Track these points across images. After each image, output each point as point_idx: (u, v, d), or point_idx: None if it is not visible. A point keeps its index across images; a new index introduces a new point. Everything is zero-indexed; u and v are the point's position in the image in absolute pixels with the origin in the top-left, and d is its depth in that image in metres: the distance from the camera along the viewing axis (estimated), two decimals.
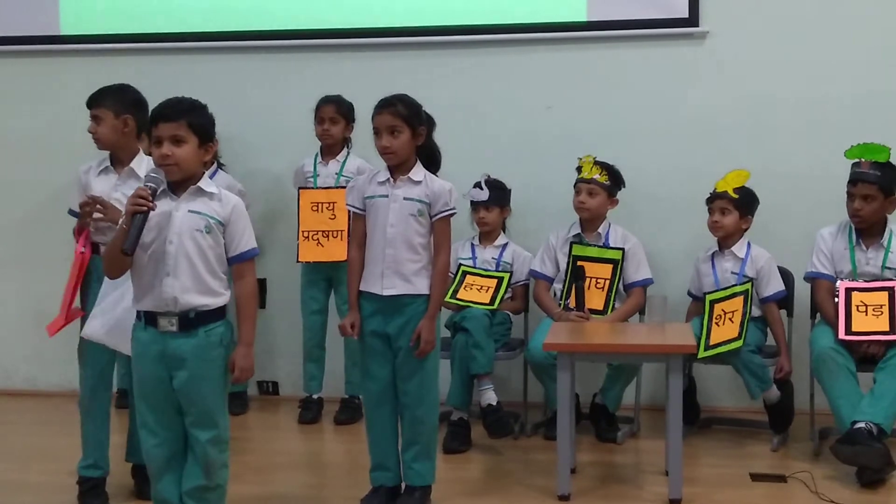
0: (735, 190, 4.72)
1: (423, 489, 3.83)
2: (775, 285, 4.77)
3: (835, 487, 4.05)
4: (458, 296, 4.80)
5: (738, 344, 4.45)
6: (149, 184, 3.04)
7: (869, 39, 5.16)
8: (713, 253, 4.83)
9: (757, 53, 5.24)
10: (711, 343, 4.50)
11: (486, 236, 5.05)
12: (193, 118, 3.12)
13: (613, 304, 4.80)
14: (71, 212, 4.02)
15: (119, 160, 3.90)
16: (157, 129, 3.11)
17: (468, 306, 4.74)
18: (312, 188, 5.19)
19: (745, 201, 4.75)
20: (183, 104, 3.16)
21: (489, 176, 4.95)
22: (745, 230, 4.80)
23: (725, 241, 4.80)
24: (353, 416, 5.18)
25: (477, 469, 4.46)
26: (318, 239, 5.14)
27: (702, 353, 4.50)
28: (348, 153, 5.23)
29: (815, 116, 5.18)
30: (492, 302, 4.79)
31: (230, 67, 5.64)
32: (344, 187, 5.03)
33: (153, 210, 3.02)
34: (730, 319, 4.51)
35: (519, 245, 5.10)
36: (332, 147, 5.23)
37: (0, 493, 4.15)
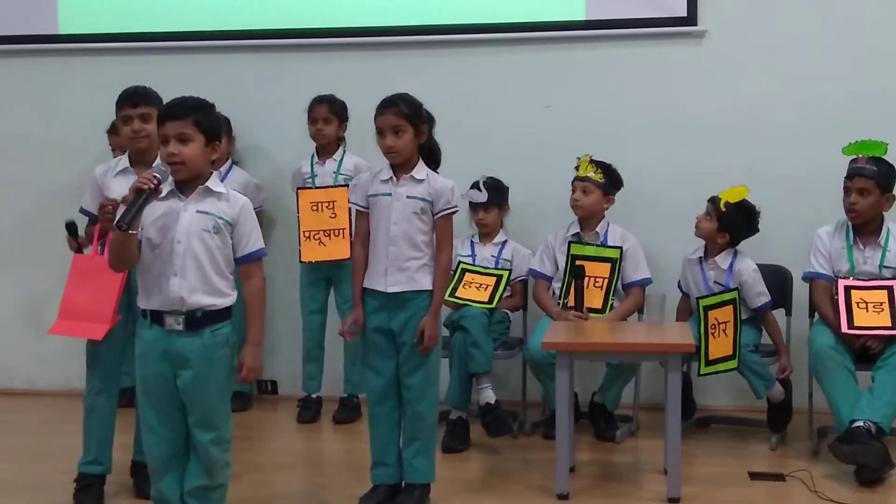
0: (726, 203, 4.68)
1: (423, 487, 3.84)
2: (763, 297, 4.73)
3: (833, 486, 4.06)
4: (457, 294, 4.81)
5: (734, 364, 4.42)
6: (155, 174, 3.03)
7: (866, 38, 5.16)
8: (700, 258, 4.81)
9: (755, 52, 5.25)
10: (711, 358, 4.49)
11: (487, 235, 5.06)
12: (200, 116, 3.12)
13: (612, 304, 4.80)
14: (83, 210, 4.00)
15: (142, 162, 3.90)
16: (164, 127, 3.11)
17: (466, 304, 4.75)
18: (311, 188, 5.19)
19: (729, 217, 4.67)
20: (189, 103, 3.16)
21: (486, 177, 4.95)
22: (722, 244, 4.73)
23: (710, 248, 4.77)
24: (352, 416, 5.19)
25: (476, 468, 4.47)
26: (319, 238, 5.14)
27: (703, 370, 4.49)
28: (344, 152, 5.23)
29: (812, 115, 5.18)
30: (490, 300, 4.80)
31: (228, 66, 5.64)
32: (343, 186, 5.05)
33: (154, 192, 3.00)
34: (724, 332, 4.47)
35: (517, 241, 5.10)
36: (327, 147, 5.22)
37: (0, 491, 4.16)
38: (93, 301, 3.81)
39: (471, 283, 4.85)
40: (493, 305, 4.80)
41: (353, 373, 5.22)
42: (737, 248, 4.76)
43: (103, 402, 3.93)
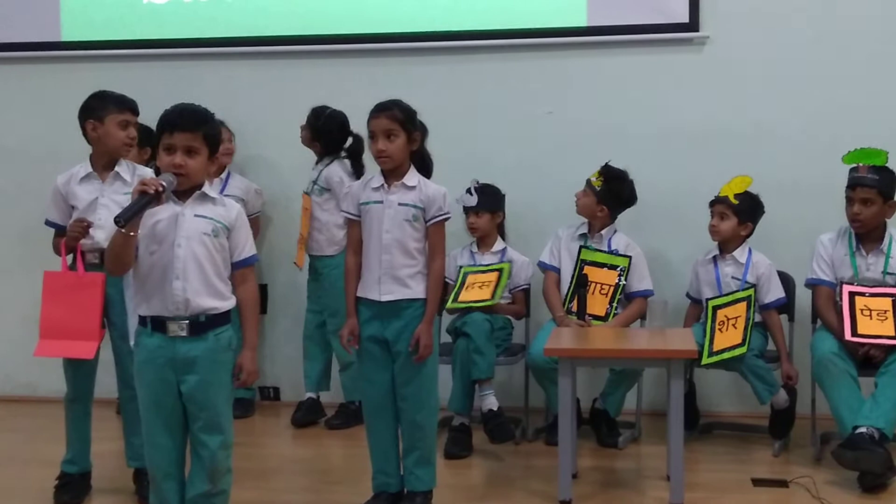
0: (736, 195, 4.72)
1: (425, 494, 3.83)
2: (776, 292, 4.77)
3: (836, 492, 4.05)
4: (460, 298, 4.78)
5: (743, 350, 4.45)
6: (162, 181, 3.02)
7: (868, 45, 5.17)
8: (714, 257, 4.83)
9: (756, 58, 5.25)
10: (715, 349, 4.50)
11: (484, 242, 5.05)
12: (208, 130, 3.14)
13: (616, 311, 4.79)
14: (49, 223, 4.02)
15: (108, 168, 3.95)
16: (172, 137, 3.09)
17: (469, 308, 4.72)
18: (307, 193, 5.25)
19: (745, 208, 4.74)
20: (199, 115, 3.16)
21: (478, 182, 4.94)
22: (745, 236, 4.79)
23: (726, 246, 4.80)
24: (348, 422, 5.18)
25: (478, 474, 4.46)
26: (303, 244, 5.22)
27: (705, 360, 4.49)
28: (331, 161, 5.19)
29: (814, 121, 5.19)
30: (492, 297, 4.77)
31: (230, 73, 5.66)
32: (308, 194, 5.16)
33: (157, 198, 2.99)
34: (733, 325, 4.50)
35: (517, 250, 5.09)
36: (318, 155, 5.25)
37: (0, 498, 4.15)
38: (74, 319, 3.83)
39: (472, 284, 4.83)
40: (494, 301, 4.78)
41: (346, 378, 5.21)
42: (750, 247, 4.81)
43: (78, 409, 4.02)
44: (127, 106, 3.97)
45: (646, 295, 4.88)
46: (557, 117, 5.41)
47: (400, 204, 3.72)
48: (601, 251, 4.85)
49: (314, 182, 5.19)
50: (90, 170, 3.97)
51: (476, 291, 4.82)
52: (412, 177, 3.75)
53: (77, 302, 3.83)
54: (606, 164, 4.88)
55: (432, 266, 3.75)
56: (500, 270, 4.87)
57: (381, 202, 3.73)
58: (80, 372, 3.98)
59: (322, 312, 5.25)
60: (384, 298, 3.72)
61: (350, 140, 5.17)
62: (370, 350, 3.78)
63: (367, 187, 3.79)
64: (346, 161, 5.18)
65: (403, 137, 3.71)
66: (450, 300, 4.72)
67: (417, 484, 3.81)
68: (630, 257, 4.81)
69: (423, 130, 3.82)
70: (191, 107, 3.18)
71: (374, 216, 3.74)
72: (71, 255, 3.93)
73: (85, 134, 4.02)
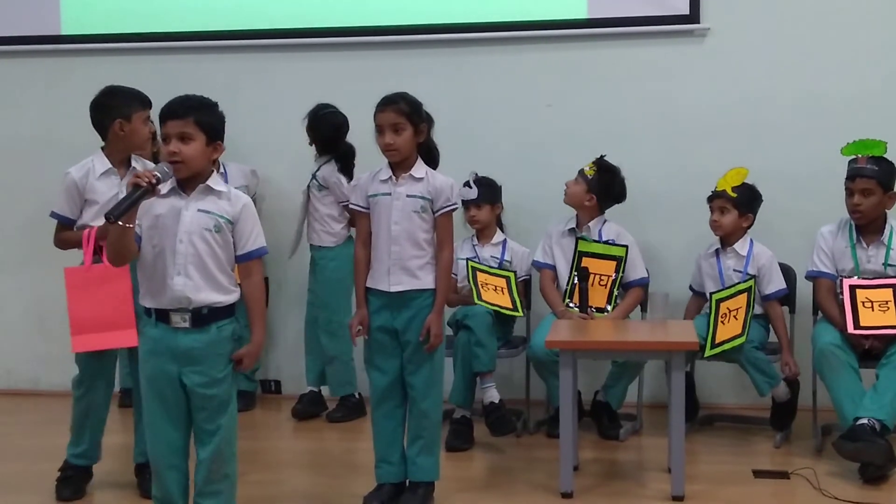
0: (734, 188, 4.72)
1: (427, 486, 3.85)
2: (777, 283, 4.78)
3: (838, 484, 4.06)
4: (484, 298, 4.73)
5: (742, 340, 4.46)
6: (156, 172, 3.03)
7: (868, 36, 5.16)
8: (717, 250, 4.84)
9: (757, 50, 5.25)
10: (717, 341, 4.50)
11: (484, 234, 5.05)
12: (201, 116, 3.13)
13: (616, 302, 4.80)
14: (55, 215, 3.99)
15: (126, 163, 3.94)
16: (166, 126, 3.12)
17: (497, 309, 4.71)
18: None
19: (744, 199, 4.75)
20: (191, 101, 3.16)
21: (476, 174, 4.93)
22: (747, 228, 4.80)
23: (727, 239, 4.81)
24: (349, 415, 5.19)
25: (479, 467, 4.47)
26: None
27: (708, 352, 4.50)
28: (326, 161, 5.18)
29: (815, 113, 5.18)
30: (515, 307, 4.78)
31: (229, 66, 5.65)
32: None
33: (151, 190, 2.99)
34: (734, 317, 4.52)
35: (517, 243, 5.09)
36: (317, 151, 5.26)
37: (2, 492, 4.16)
38: (108, 310, 3.81)
39: (486, 284, 4.81)
40: (521, 314, 4.83)
41: (331, 373, 5.22)
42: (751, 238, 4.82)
43: (97, 399, 4.00)
44: (148, 103, 3.98)
45: (642, 283, 4.88)
46: (557, 110, 5.41)
47: (408, 195, 3.74)
48: (597, 242, 4.85)
49: (313, 177, 5.20)
50: (108, 165, 3.95)
51: (497, 295, 4.78)
52: (419, 168, 3.77)
53: (108, 293, 3.80)
54: (601, 156, 4.88)
55: (441, 256, 3.78)
56: (507, 279, 4.86)
57: (390, 194, 3.75)
58: (101, 364, 3.95)
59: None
60: (393, 289, 3.74)
61: (344, 145, 5.16)
62: (379, 340, 3.80)
63: (375, 179, 3.81)
64: (337, 164, 5.17)
65: (410, 130, 3.72)
66: (475, 297, 4.70)
67: (420, 474, 3.82)
68: (626, 247, 4.81)
69: (430, 121, 3.83)
70: (184, 96, 3.19)
71: (382, 208, 3.75)
72: (76, 250, 3.92)
73: (103, 131, 3.97)
